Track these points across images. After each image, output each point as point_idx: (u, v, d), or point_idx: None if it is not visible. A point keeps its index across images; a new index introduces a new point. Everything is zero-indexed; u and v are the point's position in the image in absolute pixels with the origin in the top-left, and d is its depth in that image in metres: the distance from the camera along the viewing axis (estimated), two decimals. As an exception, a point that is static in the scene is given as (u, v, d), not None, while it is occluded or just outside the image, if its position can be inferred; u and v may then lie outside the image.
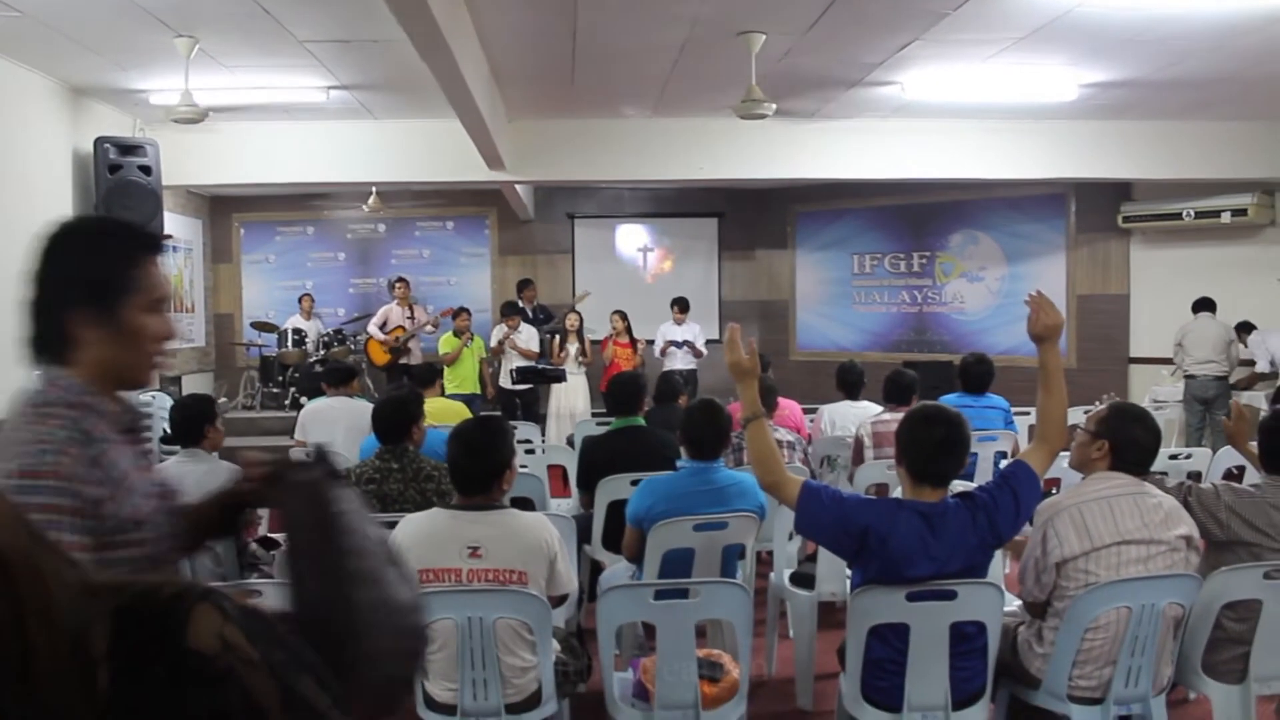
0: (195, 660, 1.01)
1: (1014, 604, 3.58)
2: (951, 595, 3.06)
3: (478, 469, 3.32)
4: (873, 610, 3.10)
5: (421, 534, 3.29)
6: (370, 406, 6.81)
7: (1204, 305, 9.84)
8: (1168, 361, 10.59)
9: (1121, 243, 12.05)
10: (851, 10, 6.41)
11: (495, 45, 7.27)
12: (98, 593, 1.03)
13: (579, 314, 11.14)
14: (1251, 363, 10.10)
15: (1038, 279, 12.43)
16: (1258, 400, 10.37)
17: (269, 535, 5.08)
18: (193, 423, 4.74)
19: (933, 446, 3.15)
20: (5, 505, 0.99)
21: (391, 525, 3.60)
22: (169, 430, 4.91)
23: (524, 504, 5.03)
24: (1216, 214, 10.89)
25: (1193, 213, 11.01)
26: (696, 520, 4.02)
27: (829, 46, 7.29)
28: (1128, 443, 3.34)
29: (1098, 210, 12.00)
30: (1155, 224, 11.54)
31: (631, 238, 14.59)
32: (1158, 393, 10.69)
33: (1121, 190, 11.73)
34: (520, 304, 12.03)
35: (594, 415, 9.59)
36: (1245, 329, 9.98)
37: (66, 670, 0.96)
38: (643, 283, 14.01)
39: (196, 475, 4.54)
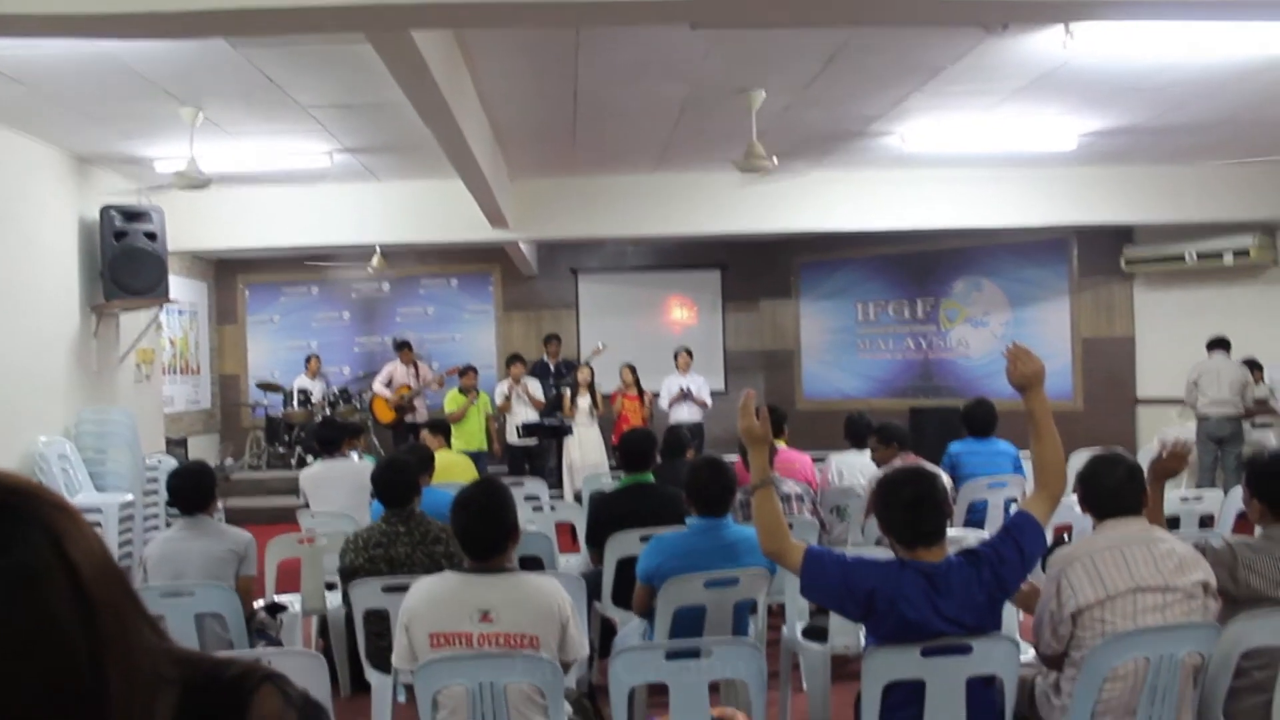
0: None
1: (1029, 653, 3.54)
2: (967, 650, 3.03)
3: (486, 535, 3.30)
4: (887, 668, 3.06)
5: (433, 597, 3.27)
6: (369, 465, 6.83)
7: (1219, 344, 9.81)
8: (1176, 402, 10.56)
9: (1125, 286, 12.08)
10: (850, 65, 6.47)
11: (497, 106, 7.34)
12: (177, 662, 1.06)
13: (590, 368, 11.16)
14: (1266, 403, 10.06)
15: (1042, 323, 12.49)
16: (1268, 439, 10.37)
17: (275, 602, 5.06)
18: (193, 492, 4.71)
19: (903, 508, 3.14)
20: (111, 563, 1.03)
21: (401, 588, 3.59)
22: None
23: (532, 562, 5.03)
24: (1219, 255, 10.92)
25: (1195, 255, 11.04)
26: (707, 577, 4.00)
27: (828, 101, 7.36)
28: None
29: (1100, 254, 12.04)
30: (1158, 266, 11.57)
31: (635, 291, 14.64)
32: (1167, 434, 10.64)
33: (1123, 234, 11.77)
34: (545, 359, 12.06)
35: (612, 470, 9.58)
36: (1254, 367, 9.96)
37: None
38: (647, 336, 14.03)
39: (201, 549, 4.54)
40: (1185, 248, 11.13)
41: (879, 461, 6.42)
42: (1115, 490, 3.37)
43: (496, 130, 8.04)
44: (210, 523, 4.72)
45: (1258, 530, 3.67)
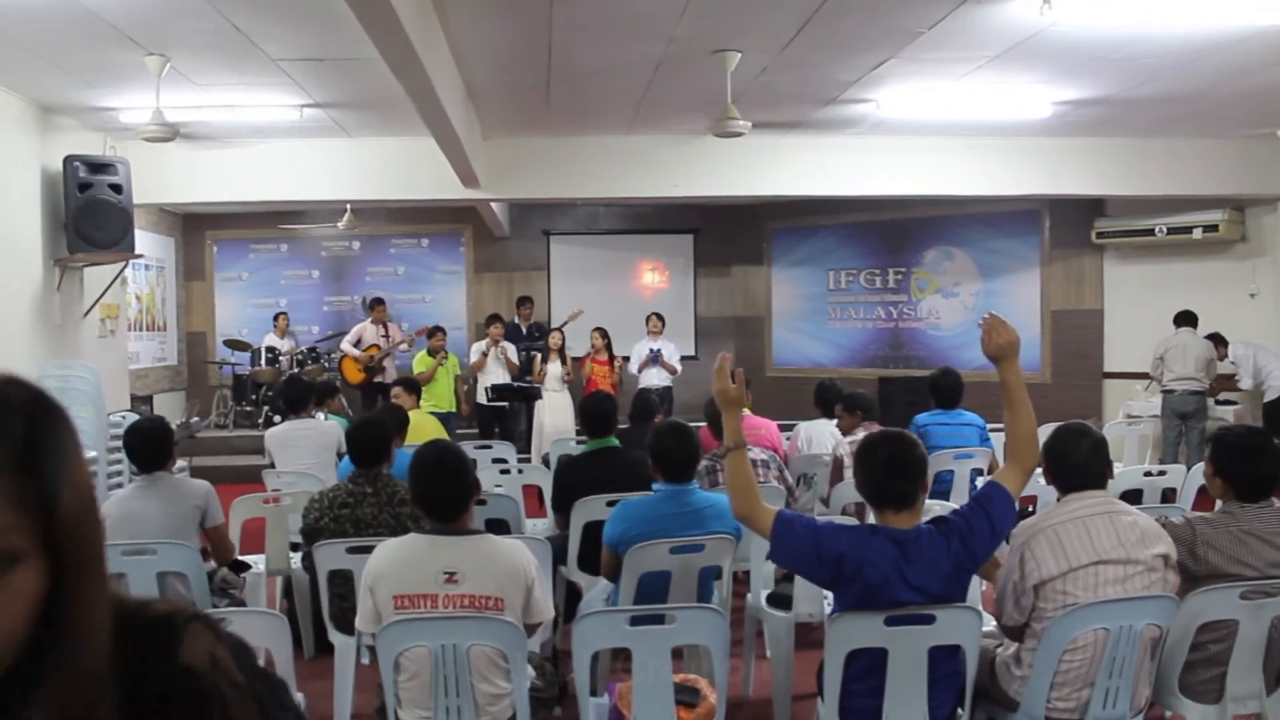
0: (186, 677, 1.04)
1: (990, 625, 3.56)
2: (930, 620, 3.04)
3: (446, 495, 3.28)
4: (850, 635, 3.07)
5: (398, 559, 3.25)
6: (337, 425, 6.78)
7: (1186, 319, 9.86)
8: (1142, 376, 10.64)
9: (1095, 258, 12.13)
10: (826, 29, 6.43)
11: (470, 63, 7.25)
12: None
13: (562, 333, 11.11)
14: (1232, 377, 10.15)
15: (1012, 294, 12.53)
16: (1231, 415, 10.48)
17: (239, 559, 5.02)
18: (150, 450, 4.65)
19: (880, 468, 3.15)
20: (92, 492, 1.02)
21: (366, 549, 3.57)
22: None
23: (499, 525, 5.01)
24: (1189, 230, 10.98)
25: (1165, 229, 11.10)
26: (673, 543, 3.99)
27: (804, 64, 7.31)
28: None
29: (1072, 226, 12.07)
30: (1128, 240, 11.62)
31: (607, 254, 14.58)
32: (1132, 407, 10.74)
33: (1095, 206, 11.81)
34: (516, 321, 12.01)
35: (578, 434, 9.58)
36: (1218, 342, 10.04)
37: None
38: (619, 299, 13.99)
39: (160, 507, 4.49)
40: (1156, 222, 11.19)
41: (844, 429, 6.45)
42: (1080, 463, 3.38)
43: (470, 88, 7.94)
44: (168, 479, 4.66)
45: (1217, 504, 3.70)
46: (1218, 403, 10.24)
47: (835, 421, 6.74)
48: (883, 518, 3.14)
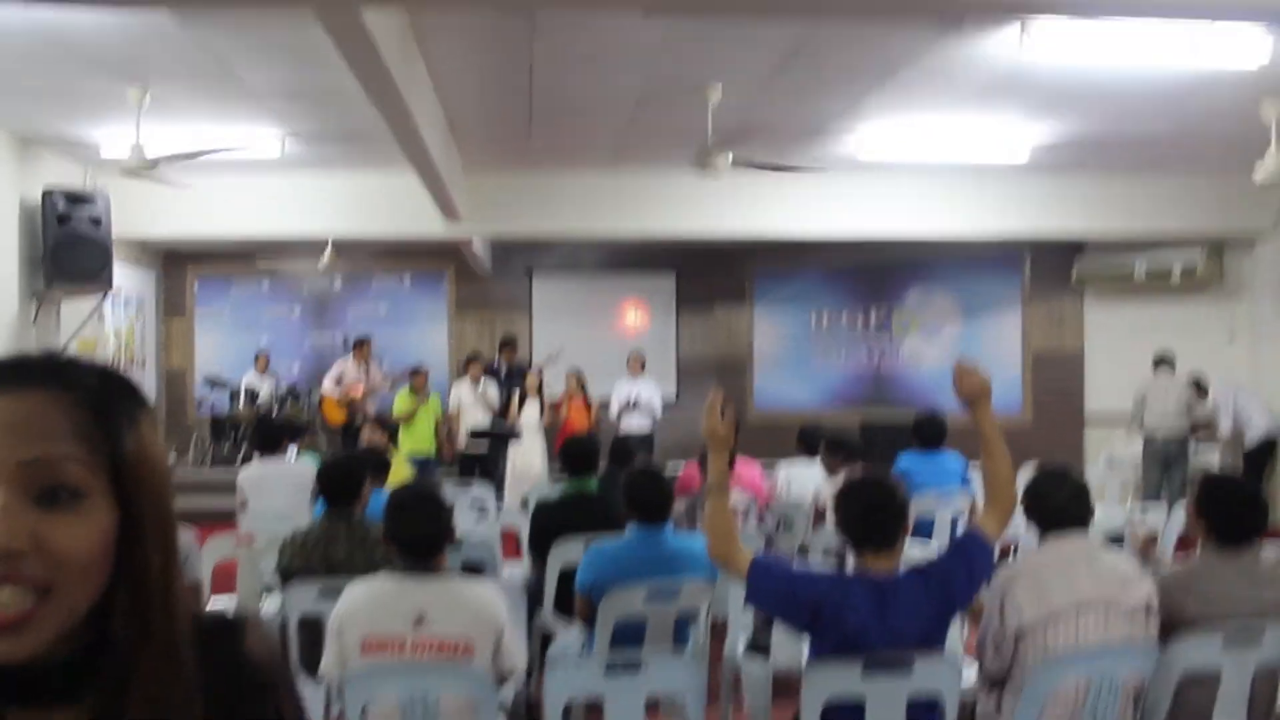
0: (251, 669, 1.11)
1: (973, 670, 3.49)
2: (908, 668, 2.97)
3: (418, 537, 3.22)
4: (827, 683, 3.00)
5: (367, 600, 3.19)
6: (310, 465, 6.69)
7: (1164, 362, 9.84)
8: (1123, 418, 10.60)
9: (1075, 300, 12.17)
10: (806, 63, 6.44)
11: (451, 96, 7.24)
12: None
13: (540, 374, 11.00)
14: (1209, 424, 10.11)
15: (993, 335, 12.55)
16: (1213, 458, 10.45)
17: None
18: None
19: (862, 510, 3.12)
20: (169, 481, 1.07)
21: (336, 592, 3.49)
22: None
23: (474, 569, 4.92)
24: (1167, 271, 11.02)
25: (1145, 269, 11.13)
26: (648, 589, 3.92)
27: (786, 100, 7.32)
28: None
29: (1052, 268, 12.13)
30: (1108, 281, 11.65)
31: (589, 294, 14.54)
32: (1114, 451, 10.71)
33: (1075, 247, 11.85)
34: (499, 363, 11.87)
35: (552, 477, 9.49)
36: (1199, 385, 10.02)
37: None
38: (601, 339, 13.93)
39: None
40: (1135, 261, 11.22)
41: (829, 469, 6.40)
42: (1061, 506, 3.34)
43: (451, 121, 7.93)
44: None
45: (1199, 547, 3.65)
46: (1198, 445, 10.21)
47: (819, 464, 6.68)
48: (862, 559, 3.09)
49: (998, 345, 12.42)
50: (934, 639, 3.04)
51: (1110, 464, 10.09)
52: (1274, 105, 7.21)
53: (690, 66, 6.57)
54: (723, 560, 3.14)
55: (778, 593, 3.05)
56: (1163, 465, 9.68)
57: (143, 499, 1.01)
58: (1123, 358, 11.24)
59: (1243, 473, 10.03)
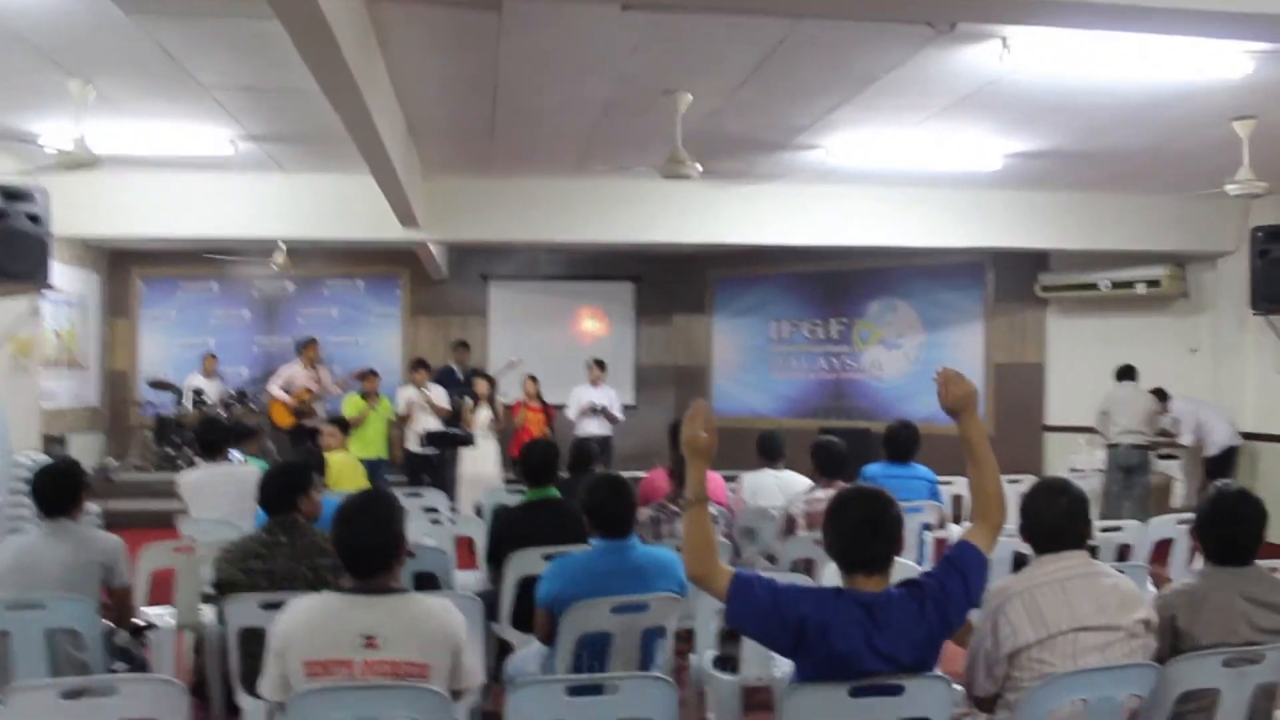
0: None
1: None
2: (898, 691, 2.79)
3: (368, 548, 2.98)
4: (810, 708, 2.80)
5: (311, 621, 2.93)
6: (256, 470, 6.42)
7: (1126, 374, 9.83)
8: (1084, 430, 10.56)
9: (1037, 312, 12.14)
10: (782, 70, 6.28)
11: (412, 97, 7.01)
12: None
13: (489, 380, 10.73)
14: (1170, 434, 10.12)
15: (955, 347, 12.49)
16: (1173, 469, 10.45)
17: (140, 624, 4.64)
18: (55, 493, 4.29)
19: (853, 527, 2.90)
20: None
21: (278, 605, 3.26)
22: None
23: (427, 579, 4.70)
24: (1131, 285, 11.01)
25: (1109, 284, 11.11)
26: (615, 602, 3.71)
27: (756, 108, 7.17)
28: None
29: (1014, 280, 12.09)
30: (1072, 294, 11.63)
31: (547, 301, 14.33)
32: (1075, 462, 10.66)
33: (1038, 260, 11.81)
34: (451, 366, 11.67)
35: (506, 482, 9.29)
36: (1161, 397, 10.02)
37: None
38: (558, 346, 13.72)
39: (60, 557, 4.14)
40: (1099, 276, 11.21)
41: (817, 480, 6.11)
42: (1057, 522, 3.17)
43: (411, 124, 7.69)
44: (73, 527, 4.29)
45: (1197, 564, 3.51)
46: (1160, 456, 10.20)
47: (784, 471, 6.50)
48: (851, 580, 2.89)
49: (959, 357, 12.33)
50: (927, 661, 2.85)
51: (1072, 474, 10.02)
52: (1245, 122, 7.20)
53: (661, 71, 6.38)
54: (702, 579, 2.92)
55: (760, 613, 2.83)
56: (1125, 474, 9.64)
57: None
58: (1084, 370, 11.20)
59: (1203, 480, 10.10)
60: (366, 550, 2.98)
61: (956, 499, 7.64)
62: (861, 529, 2.90)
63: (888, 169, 8.95)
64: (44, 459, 8.09)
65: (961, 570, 2.91)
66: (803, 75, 6.42)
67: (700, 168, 7.14)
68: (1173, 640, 3.21)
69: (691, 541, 2.95)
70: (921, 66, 6.15)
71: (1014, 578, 3.20)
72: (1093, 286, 11.30)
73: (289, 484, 4.13)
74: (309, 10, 4.16)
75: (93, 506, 6.59)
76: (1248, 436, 10.28)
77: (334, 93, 5.36)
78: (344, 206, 9.61)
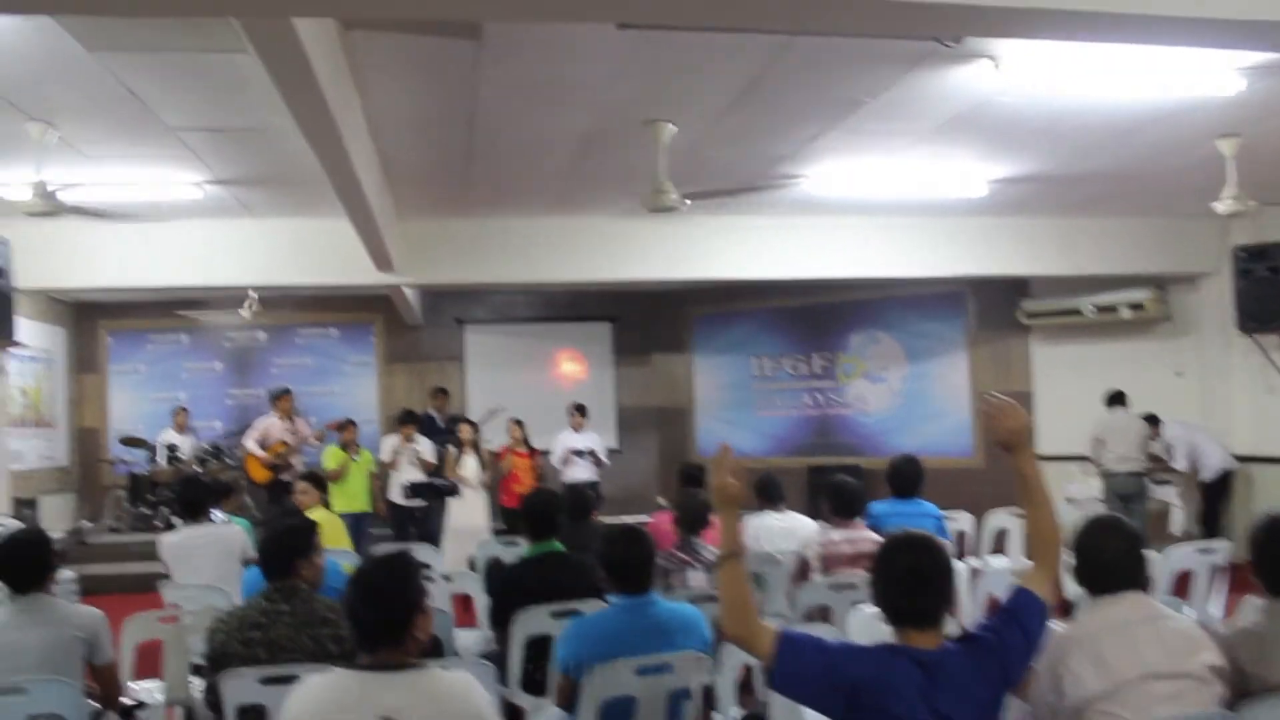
0: None
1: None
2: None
3: (383, 618, 2.70)
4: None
5: (323, 706, 2.63)
6: (240, 529, 6.13)
7: (1117, 399, 9.71)
8: (1074, 458, 10.40)
9: (1021, 339, 12.05)
10: (766, 97, 6.14)
11: (388, 136, 6.82)
12: None
13: (472, 425, 10.41)
14: (1162, 460, 10.00)
15: (940, 378, 12.36)
16: (1169, 495, 10.32)
17: (129, 704, 4.34)
18: (24, 567, 4.01)
19: (899, 578, 2.68)
20: None
21: (280, 680, 2.99)
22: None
23: (431, 643, 4.42)
24: (1114, 309, 10.92)
25: (1094, 308, 11.02)
26: (639, 664, 3.47)
27: (739, 138, 7.04)
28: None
29: (996, 307, 12.00)
30: (1055, 320, 11.53)
31: (523, 344, 14.09)
32: (1071, 490, 10.49)
33: (1019, 287, 11.73)
34: (430, 413, 11.39)
35: (496, 533, 9.03)
36: (1152, 422, 9.90)
37: None
38: (537, 390, 13.47)
39: (38, 637, 3.86)
40: (1081, 301, 11.11)
41: (831, 523, 5.90)
42: (1113, 562, 2.97)
43: (386, 164, 7.50)
44: (48, 602, 4.00)
45: (1252, 603, 3.30)
46: (1154, 482, 10.08)
47: (786, 514, 6.29)
48: (904, 636, 2.66)
49: (945, 388, 12.22)
50: (989, 720, 2.63)
51: (1069, 504, 9.87)
52: (1229, 140, 7.14)
53: (642, 101, 6.23)
54: (742, 640, 2.69)
55: (810, 676, 2.60)
56: (1123, 503, 9.50)
57: None
58: (1072, 397, 11.07)
59: (1201, 506, 9.95)
60: (377, 622, 2.71)
61: (960, 535, 7.46)
62: (908, 580, 2.68)
63: (869, 198, 8.85)
64: (14, 524, 7.75)
65: (1021, 620, 2.70)
66: (788, 100, 6.27)
67: (689, 202, 6.97)
68: (1238, 682, 3.01)
69: (729, 598, 2.73)
70: (910, 88, 6.04)
71: (1074, 624, 2.99)
72: (1076, 312, 11.20)
73: (290, 546, 3.85)
74: (287, 42, 3.96)
75: (66, 573, 6.28)
76: (1241, 459, 10.17)
77: (311, 129, 5.16)
78: (316, 251, 9.37)
